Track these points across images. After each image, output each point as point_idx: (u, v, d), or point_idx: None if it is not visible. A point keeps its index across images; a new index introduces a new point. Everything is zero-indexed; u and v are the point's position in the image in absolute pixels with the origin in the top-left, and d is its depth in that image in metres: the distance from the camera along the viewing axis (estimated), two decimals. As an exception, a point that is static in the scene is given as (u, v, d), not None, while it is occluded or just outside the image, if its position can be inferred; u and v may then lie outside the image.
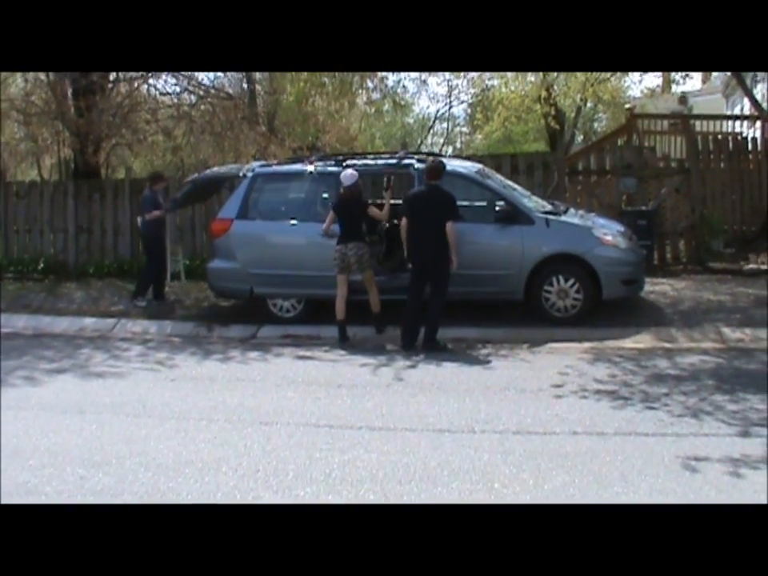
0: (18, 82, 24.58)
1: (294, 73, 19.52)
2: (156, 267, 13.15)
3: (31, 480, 6.16)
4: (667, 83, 28.89)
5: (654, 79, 35.67)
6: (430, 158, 11.28)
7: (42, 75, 20.90)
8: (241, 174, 12.04)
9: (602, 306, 10.79)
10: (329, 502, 5.60)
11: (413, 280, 10.31)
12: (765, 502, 5.33)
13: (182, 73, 20.45)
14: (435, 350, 9.93)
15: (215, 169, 13.42)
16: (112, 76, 19.09)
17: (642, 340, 10.00)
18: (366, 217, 10.86)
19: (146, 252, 13.60)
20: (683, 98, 27.01)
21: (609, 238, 10.89)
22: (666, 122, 18.65)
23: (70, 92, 18.47)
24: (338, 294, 10.62)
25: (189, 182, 13.02)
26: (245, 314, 12.01)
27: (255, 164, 12.68)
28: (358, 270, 10.62)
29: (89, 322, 12.39)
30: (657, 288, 12.19)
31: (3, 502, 5.59)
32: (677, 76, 22.90)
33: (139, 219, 13.52)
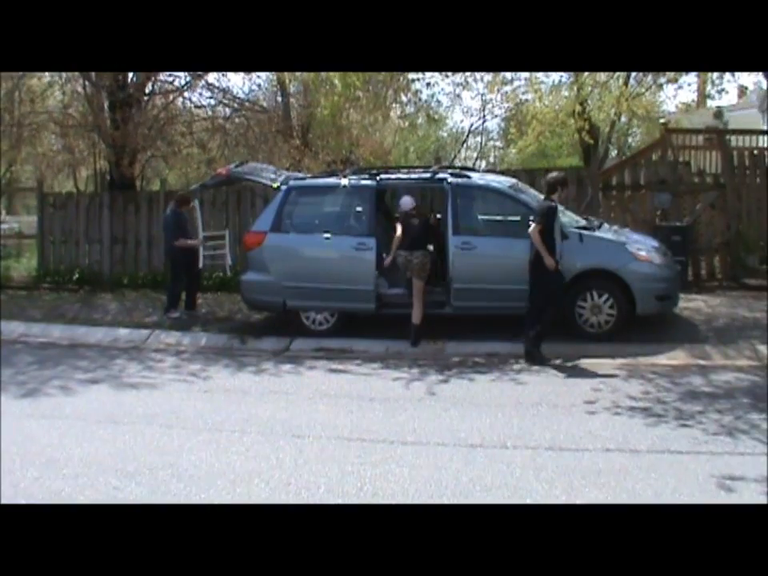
0: (55, 95, 24.85)
1: (328, 86, 19.56)
2: (180, 284, 13.17)
3: (65, 489, 6.21)
4: (702, 98, 28.70)
5: (688, 94, 35.58)
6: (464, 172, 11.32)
7: (79, 88, 21.17)
8: (274, 187, 12.09)
9: (635, 321, 10.72)
10: (328, 502, 5.60)
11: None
12: (765, 502, 5.30)
13: (217, 86, 20.64)
14: (534, 362, 9.96)
15: (252, 166, 13.33)
16: (148, 89, 19.27)
17: (676, 357, 9.92)
18: (428, 230, 11.24)
19: (171, 269, 13.54)
20: (718, 113, 26.82)
21: (643, 253, 10.82)
22: (701, 137, 18.50)
23: (106, 105, 18.65)
24: (419, 299, 10.85)
25: (222, 174, 12.95)
26: (278, 326, 12.03)
27: (288, 175, 12.72)
28: (417, 277, 10.72)
29: (123, 332, 12.46)
30: (691, 304, 12.11)
31: (3, 502, 5.63)
32: (712, 91, 22.72)
33: (165, 237, 13.55)
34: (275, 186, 12.04)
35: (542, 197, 11.34)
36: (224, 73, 20.26)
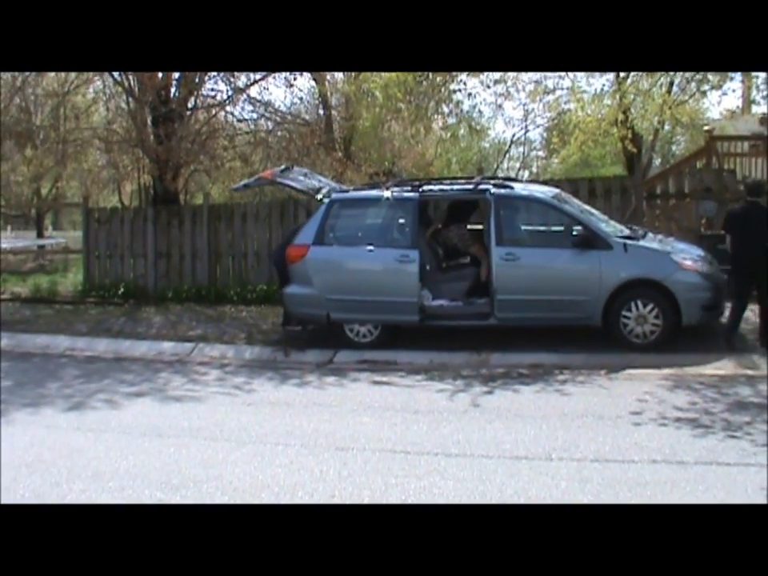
0: (100, 111, 25.19)
1: (369, 98, 19.62)
2: None
3: (111, 502, 6.24)
4: (747, 104, 28.43)
5: (733, 100, 35.23)
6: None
7: (122, 104, 21.45)
8: (317, 198, 12.14)
9: (681, 331, 10.61)
10: (329, 502, 5.59)
11: (742, 286, 10.54)
12: (764, 493, 5.22)
13: (259, 99, 20.76)
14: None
15: (298, 171, 13.34)
16: (190, 103, 19.43)
17: (723, 367, 9.80)
18: None
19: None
20: (764, 119, 26.52)
21: (688, 262, 10.72)
22: (746, 144, 18.36)
23: (149, 120, 18.82)
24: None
25: (266, 178, 12.96)
26: (322, 339, 12.04)
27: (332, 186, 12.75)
28: None
29: (167, 346, 12.53)
30: (738, 313, 11.95)
31: (3, 502, 5.66)
32: (757, 96, 22.51)
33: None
34: (318, 198, 12.09)
35: (585, 206, 11.33)
36: (265, 87, 20.39)
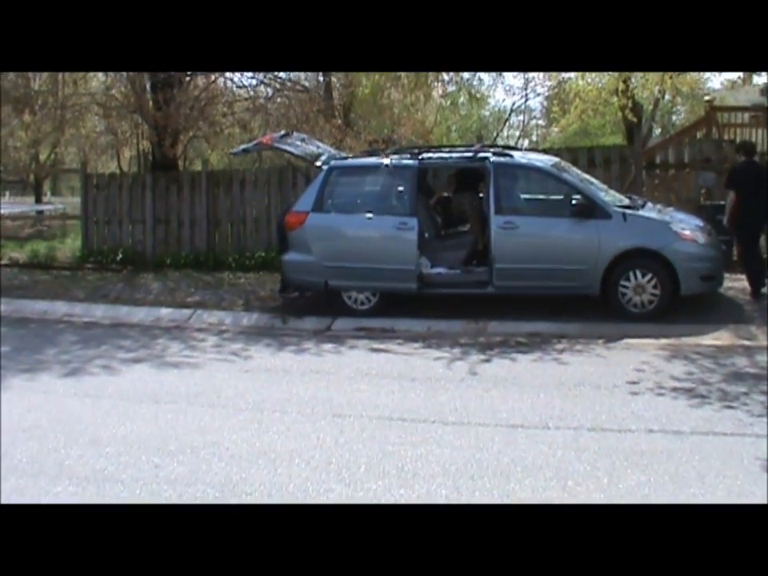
0: (98, 77, 25.02)
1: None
2: None
3: (108, 467, 6.28)
4: (748, 75, 28.34)
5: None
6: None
7: (121, 69, 21.26)
8: (317, 165, 12.10)
9: (679, 302, 10.61)
10: (328, 502, 5.60)
11: (750, 242, 11.45)
12: (765, 501, 5.24)
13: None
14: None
15: (297, 136, 13.30)
16: (189, 69, 19.32)
17: (721, 337, 9.81)
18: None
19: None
20: (765, 90, 26.42)
21: (687, 232, 10.71)
22: (746, 115, 18.28)
23: (148, 86, 18.71)
24: None
25: (265, 143, 12.92)
26: (319, 306, 12.04)
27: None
28: None
29: (165, 312, 12.55)
30: (736, 284, 11.94)
31: (3, 502, 5.68)
32: (759, 67, 22.44)
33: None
34: (317, 165, 12.05)
35: (585, 176, 11.32)
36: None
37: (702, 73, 27.31)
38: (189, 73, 19.08)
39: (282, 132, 13.65)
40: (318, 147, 13.15)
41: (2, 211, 26.54)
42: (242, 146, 13.95)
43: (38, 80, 23.68)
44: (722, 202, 13.36)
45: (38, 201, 34.18)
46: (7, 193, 39.15)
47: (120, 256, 16.58)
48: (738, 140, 16.17)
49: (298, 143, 12.89)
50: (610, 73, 19.02)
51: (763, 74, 22.43)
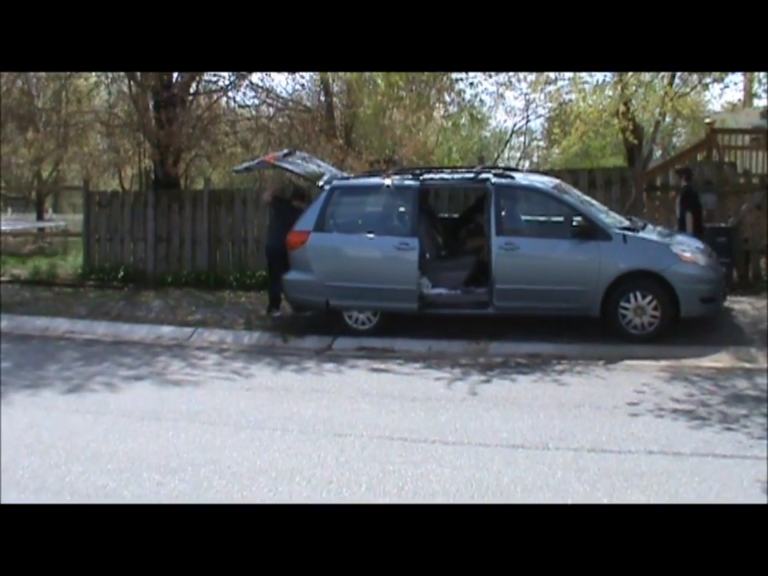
0: (101, 95, 25.14)
1: (371, 86, 19.61)
2: (278, 283, 12.89)
3: (109, 484, 6.29)
4: (749, 97, 28.41)
5: (734, 93, 35.20)
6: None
7: (124, 88, 21.40)
8: (318, 185, 12.15)
9: (679, 323, 10.63)
10: (329, 502, 5.61)
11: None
12: (765, 501, 5.25)
13: (261, 86, 20.74)
14: None
15: (298, 158, 13.36)
16: (192, 88, 19.41)
17: (721, 359, 9.83)
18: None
19: (269, 268, 13.30)
20: (765, 112, 26.49)
21: (688, 254, 10.74)
22: (747, 137, 18.35)
23: (151, 104, 18.80)
24: None
25: (267, 162, 12.95)
26: (320, 325, 12.07)
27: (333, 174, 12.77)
28: None
29: (166, 330, 12.56)
30: (736, 306, 11.99)
31: (4, 502, 5.69)
32: (759, 90, 22.49)
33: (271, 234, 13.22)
34: (319, 184, 12.10)
35: (585, 197, 11.39)
36: (267, 73, 20.37)
37: (702, 95, 27.42)
38: (191, 92, 19.20)
39: (285, 151, 13.71)
40: (320, 166, 13.22)
41: (5, 228, 26.54)
42: (245, 164, 14.00)
43: (42, 97, 23.79)
44: (723, 224, 13.44)
45: (40, 217, 34.28)
46: (9, 209, 39.24)
47: (121, 273, 16.62)
48: (738, 162, 16.26)
49: (300, 162, 12.96)
50: (611, 95, 19.13)
51: (763, 96, 22.50)
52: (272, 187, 13.58)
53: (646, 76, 17.93)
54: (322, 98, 25.01)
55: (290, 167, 12.70)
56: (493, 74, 20.19)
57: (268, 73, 20.62)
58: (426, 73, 17.36)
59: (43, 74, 21.96)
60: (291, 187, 14.54)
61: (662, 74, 18.86)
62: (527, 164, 40.65)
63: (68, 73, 22.16)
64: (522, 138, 42.27)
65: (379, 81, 17.03)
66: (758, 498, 5.68)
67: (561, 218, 11.17)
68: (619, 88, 18.29)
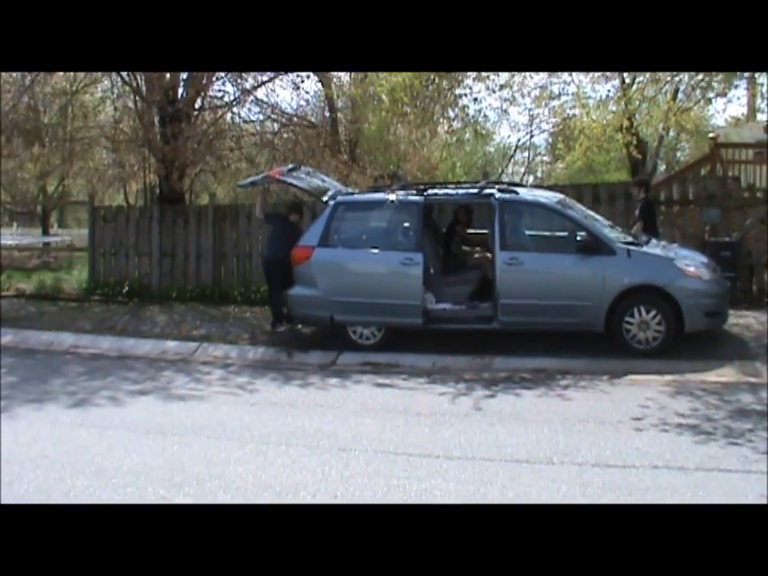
0: (107, 110, 25.23)
1: (375, 102, 19.66)
2: (277, 298, 13.00)
3: (114, 498, 6.29)
4: (752, 111, 28.43)
5: (738, 108, 35.26)
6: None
7: (130, 103, 21.51)
8: (323, 200, 12.19)
9: (684, 338, 10.63)
10: (328, 502, 5.61)
11: None
12: (765, 502, 5.24)
13: (265, 101, 20.83)
14: None
15: (305, 170, 13.40)
16: (197, 104, 19.48)
17: (726, 374, 9.81)
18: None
19: (268, 283, 13.34)
20: (769, 127, 26.53)
21: (691, 269, 10.74)
22: (750, 151, 18.35)
23: (156, 120, 18.85)
24: None
25: (273, 177, 12.98)
26: (325, 340, 12.09)
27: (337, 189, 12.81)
28: None
29: (171, 345, 12.59)
30: (741, 321, 11.98)
31: (3, 502, 5.70)
32: (762, 104, 22.51)
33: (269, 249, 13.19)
34: (324, 200, 12.14)
35: (589, 212, 11.41)
36: (272, 88, 20.47)
37: (706, 109, 27.44)
38: (197, 107, 19.26)
39: (290, 165, 13.74)
40: (324, 181, 13.25)
41: (10, 242, 26.58)
42: (250, 179, 14.02)
43: (48, 113, 23.89)
44: (727, 239, 13.44)
45: (45, 232, 34.29)
46: (15, 224, 39.27)
47: (126, 288, 16.64)
48: (742, 177, 16.26)
49: (304, 177, 12.99)
50: (615, 110, 19.14)
51: (766, 110, 22.52)
52: (259, 203, 13.57)
53: (650, 90, 17.96)
54: (327, 114, 25.07)
55: (294, 182, 12.75)
56: (496, 89, 20.23)
57: (273, 88, 20.73)
58: (430, 88, 17.42)
59: (50, 89, 22.10)
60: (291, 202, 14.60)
61: (665, 88, 18.86)
62: (531, 179, 40.77)
63: (74, 88, 22.33)
64: (526, 153, 42.37)
65: (383, 96, 17.07)
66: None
67: (565, 233, 11.19)
68: (622, 103, 18.28)
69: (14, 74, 19.73)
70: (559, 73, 18.49)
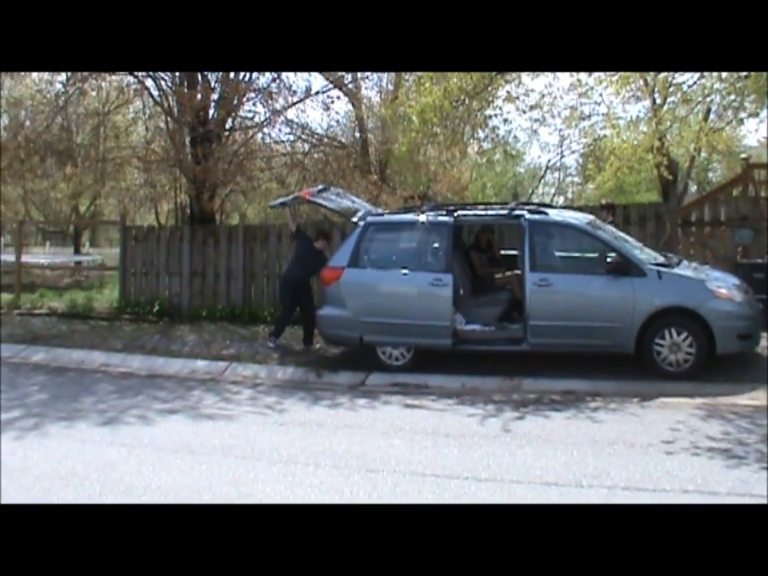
0: (139, 131, 25.46)
1: (405, 122, 19.68)
2: (289, 312, 13.42)
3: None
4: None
5: (771, 129, 35.07)
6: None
7: (161, 124, 21.70)
8: (353, 221, 12.23)
9: (715, 360, 10.54)
10: (329, 502, 5.58)
11: None
12: (765, 502, 5.17)
13: (296, 122, 20.94)
14: None
15: (336, 192, 13.46)
16: (228, 124, 19.62)
17: (758, 397, 9.70)
18: None
19: (283, 301, 13.78)
20: (801, 148, 26.40)
21: (723, 291, 10.66)
22: (783, 173, 18.23)
23: (187, 140, 19.03)
24: None
25: (303, 198, 13.07)
26: (354, 361, 12.09)
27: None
28: None
29: (201, 364, 12.62)
30: (773, 343, 11.88)
31: (3, 502, 5.71)
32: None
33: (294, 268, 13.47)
34: (354, 220, 12.18)
35: (620, 233, 11.36)
36: (302, 109, 20.60)
37: (738, 130, 27.35)
38: (227, 128, 19.40)
39: (320, 186, 13.81)
40: (354, 202, 13.29)
41: (42, 261, 26.85)
42: (280, 200, 14.10)
43: (81, 133, 24.15)
44: (760, 260, 13.33)
45: (77, 251, 34.63)
46: (47, 243, 39.66)
47: (157, 307, 16.77)
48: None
49: (334, 197, 13.05)
50: (645, 130, 19.10)
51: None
52: (294, 218, 13.69)
53: (681, 111, 17.93)
54: (357, 135, 25.21)
55: (324, 203, 12.80)
56: (527, 109, 20.27)
57: (303, 109, 20.86)
58: (460, 109, 17.42)
59: (82, 109, 22.34)
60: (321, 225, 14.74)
61: (697, 108, 18.85)
62: (562, 200, 40.74)
63: (106, 109, 22.55)
64: (556, 174, 42.45)
65: (414, 117, 17.10)
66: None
67: (595, 254, 11.15)
68: (653, 123, 18.28)
69: (48, 95, 19.98)
70: (590, 93, 18.42)
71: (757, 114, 18.83)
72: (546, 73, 19.42)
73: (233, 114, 19.61)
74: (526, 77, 19.33)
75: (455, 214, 11.69)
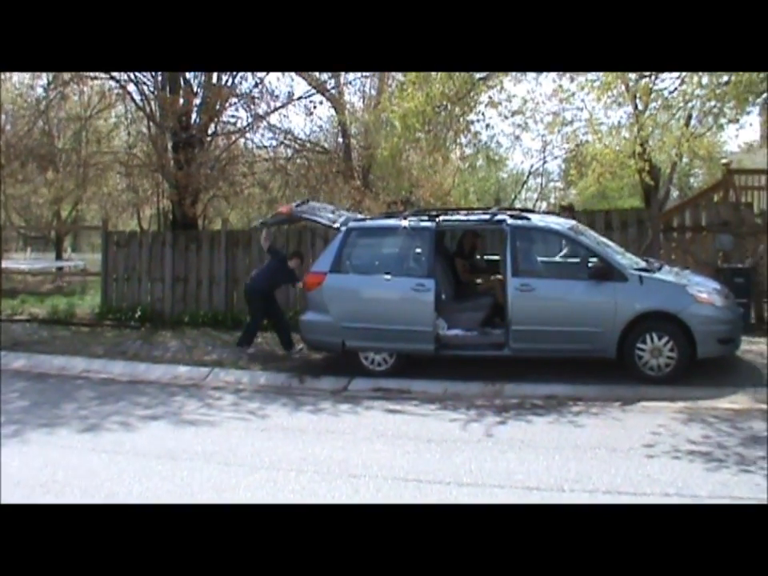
0: (121, 136, 25.41)
1: (388, 128, 19.72)
2: (259, 320, 13.49)
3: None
4: (766, 137, 28.44)
5: (751, 133, 35.26)
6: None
7: (143, 129, 21.65)
8: (335, 227, 12.22)
9: (696, 364, 10.59)
10: (328, 502, 5.58)
11: None
12: (765, 502, 5.20)
13: (278, 127, 20.94)
14: None
15: (313, 206, 13.47)
16: (210, 130, 19.60)
17: (738, 400, 9.76)
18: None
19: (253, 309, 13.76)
20: (782, 153, 26.53)
21: (704, 295, 10.72)
22: (763, 177, 18.34)
23: (170, 145, 19.00)
24: None
25: (283, 213, 13.10)
26: (336, 366, 12.09)
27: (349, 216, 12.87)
28: None
29: (183, 370, 12.58)
30: (754, 347, 11.94)
31: (3, 502, 5.69)
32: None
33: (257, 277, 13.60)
34: (335, 226, 12.17)
35: (602, 238, 11.39)
36: (285, 114, 20.61)
37: (718, 136, 27.48)
38: (210, 133, 19.38)
39: (299, 201, 13.84)
40: (334, 212, 13.26)
41: (24, 267, 26.76)
42: (261, 220, 14.17)
43: (62, 138, 24.07)
44: (740, 265, 13.41)
45: (59, 257, 34.51)
46: (28, 248, 39.51)
47: (139, 313, 16.72)
48: (755, 203, 16.24)
49: (316, 210, 13.04)
50: (627, 136, 19.16)
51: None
52: (268, 235, 13.72)
53: (662, 117, 17.98)
54: (340, 140, 25.21)
55: (309, 216, 12.76)
56: (509, 115, 20.29)
57: (286, 114, 20.88)
58: (442, 114, 17.44)
59: (64, 114, 22.26)
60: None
61: (678, 114, 18.90)
62: (544, 205, 40.87)
63: (88, 113, 22.49)
64: (538, 179, 42.56)
65: (396, 122, 17.11)
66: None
67: (577, 260, 11.19)
68: (635, 129, 18.32)
69: (29, 99, 19.92)
70: (572, 99, 18.46)
71: (737, 120, 18.86)
72: (528, 77, 19.50)
73: (215, 119, 19.60)
74: (508, 82, 19.35)
75: (437, 220, 11.71)
